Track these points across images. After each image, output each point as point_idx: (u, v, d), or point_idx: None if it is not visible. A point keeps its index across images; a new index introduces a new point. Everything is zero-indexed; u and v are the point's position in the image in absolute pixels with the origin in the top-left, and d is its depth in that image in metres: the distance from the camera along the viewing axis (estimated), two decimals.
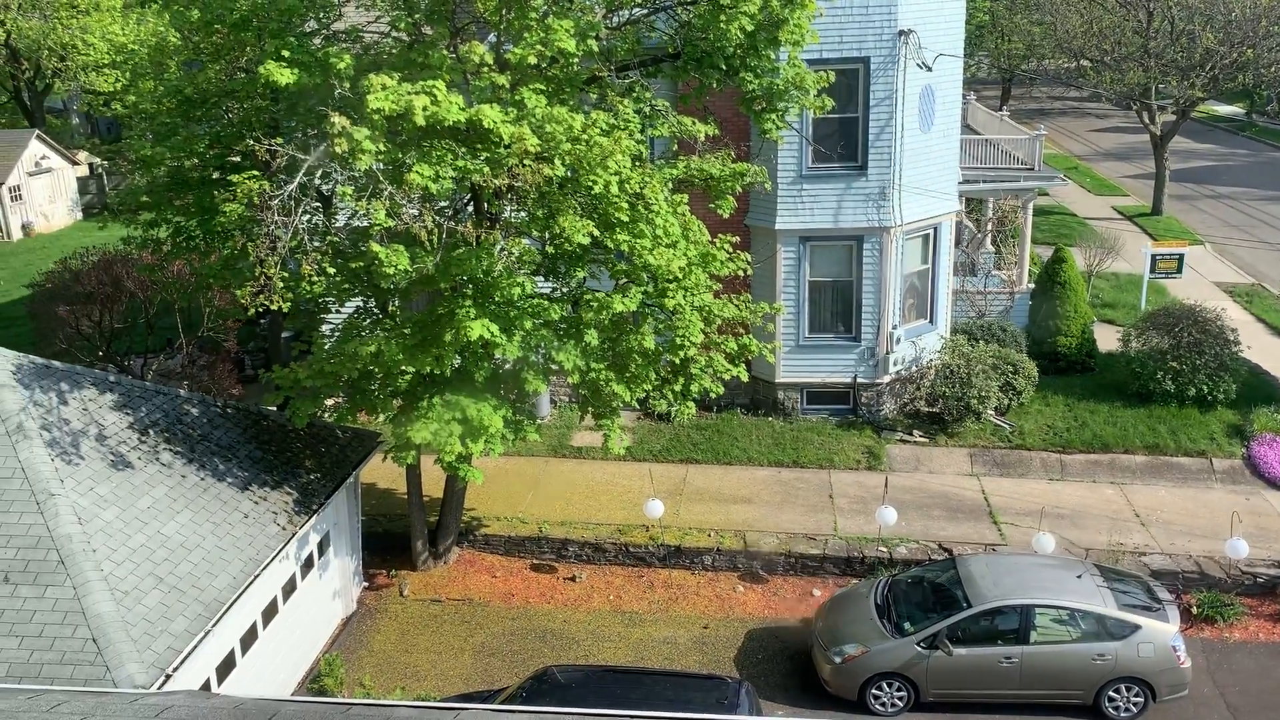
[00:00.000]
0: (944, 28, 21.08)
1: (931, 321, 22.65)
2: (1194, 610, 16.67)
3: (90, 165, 48.10)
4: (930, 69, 20.60)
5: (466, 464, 15.08)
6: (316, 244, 13.93)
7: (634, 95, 15.24)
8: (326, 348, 15.35)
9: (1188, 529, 18.50)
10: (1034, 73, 53.73)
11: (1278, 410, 21.29)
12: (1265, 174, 45.89)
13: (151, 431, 14.23)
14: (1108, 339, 24.90)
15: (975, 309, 25.13)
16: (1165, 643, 14.56)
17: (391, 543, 18.55)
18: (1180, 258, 28.21)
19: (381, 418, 15.76)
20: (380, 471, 19.29)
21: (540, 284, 15.84)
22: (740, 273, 16.18)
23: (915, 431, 21.67)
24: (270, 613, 14.44)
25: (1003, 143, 26.91)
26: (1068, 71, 47.45)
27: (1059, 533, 17.99)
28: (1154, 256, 28.16)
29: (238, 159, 16.31)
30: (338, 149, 11.91)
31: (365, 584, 17.77)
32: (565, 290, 15.87)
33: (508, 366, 15.88)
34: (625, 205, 13.64)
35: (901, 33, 20.09)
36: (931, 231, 22.06)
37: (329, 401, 15.97)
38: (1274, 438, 20.52)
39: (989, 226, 28.11)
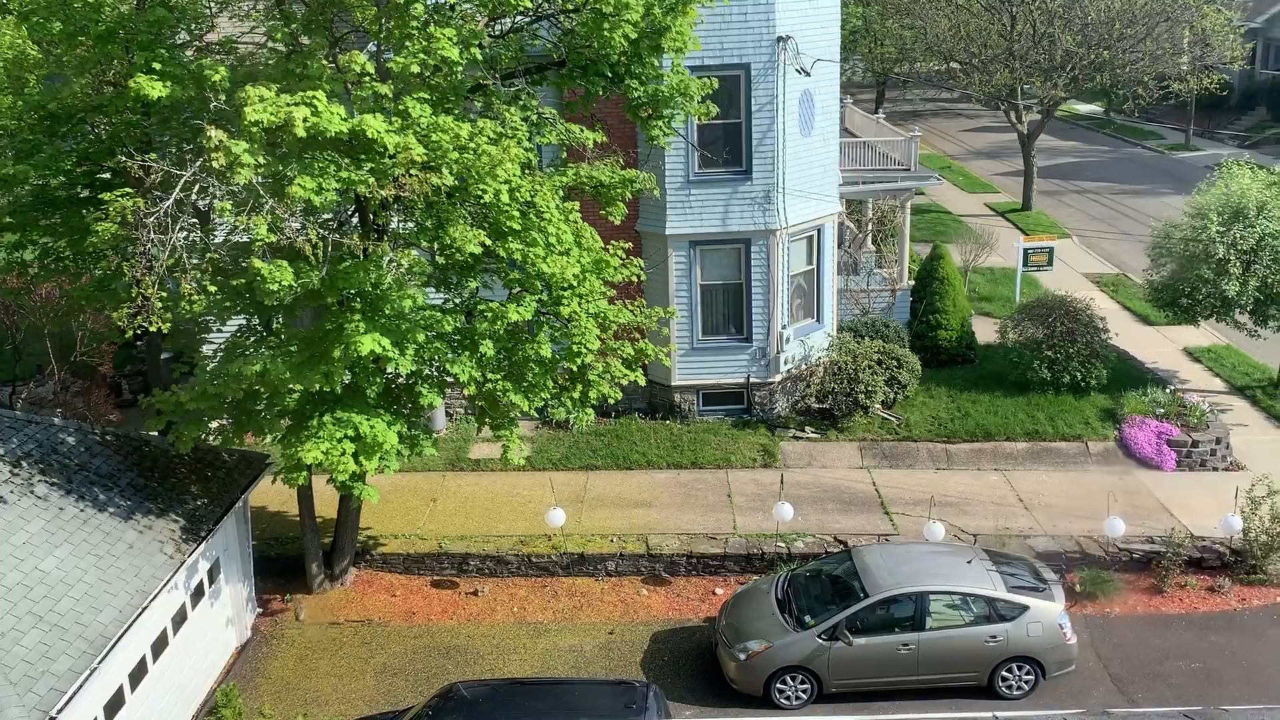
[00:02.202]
0: (820, 34, 21.59)
1: (819, 320, 23.16)
2: (1077, 588, 17.40)
3: None
4: (809, 74, 21.08)
5: (360, 482, 14.79)
6: (195, 261, 13.48)
7: (520, 103, 15.20)
8: (209, 368, 14.87)
9: (1068, 510, 19.32)
10: (906, 76, 55.44)
11: (1145, 393, 22.40)
12: (1125, 169, 48.29)
13: (24, 463, 13.57)
14: (986, 331, 25.84)
15: (859, 307, 25.80)
16: (1053, 621, 15.18)
17: (285, 566, 18.04)
18: (1050, 251, 29.41)
19: (270, 439, 15.34)
20: (271, 494, 18.75)
21: (432, 295, 15.64)
22: (634, 279, 16.29)
23: (807, 428, 22.11)
24: (160, 645, 13.89)
25: (880, 145, 27.68)
26: (938, 74, 49.07)
27: (948, 520, 18.58)
28: (1026, 250, 29.28)
29: (108, 176, 15.69)
30: (215, 163, 11.57)
31: (259, 610, 17.25)
32: (458, 301, 15.70)
33: (401, 380, 15.64)
34: (517, 214, 13.59)
35: (780, 39, 20.51)
36: (815, 233, 22.55)
37: (214, 424, 15.47)
38: (1143, 420, 21.59)
39: (869, 226, 28.90)
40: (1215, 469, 20.88)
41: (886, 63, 52.57)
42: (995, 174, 48.30)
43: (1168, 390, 22.65)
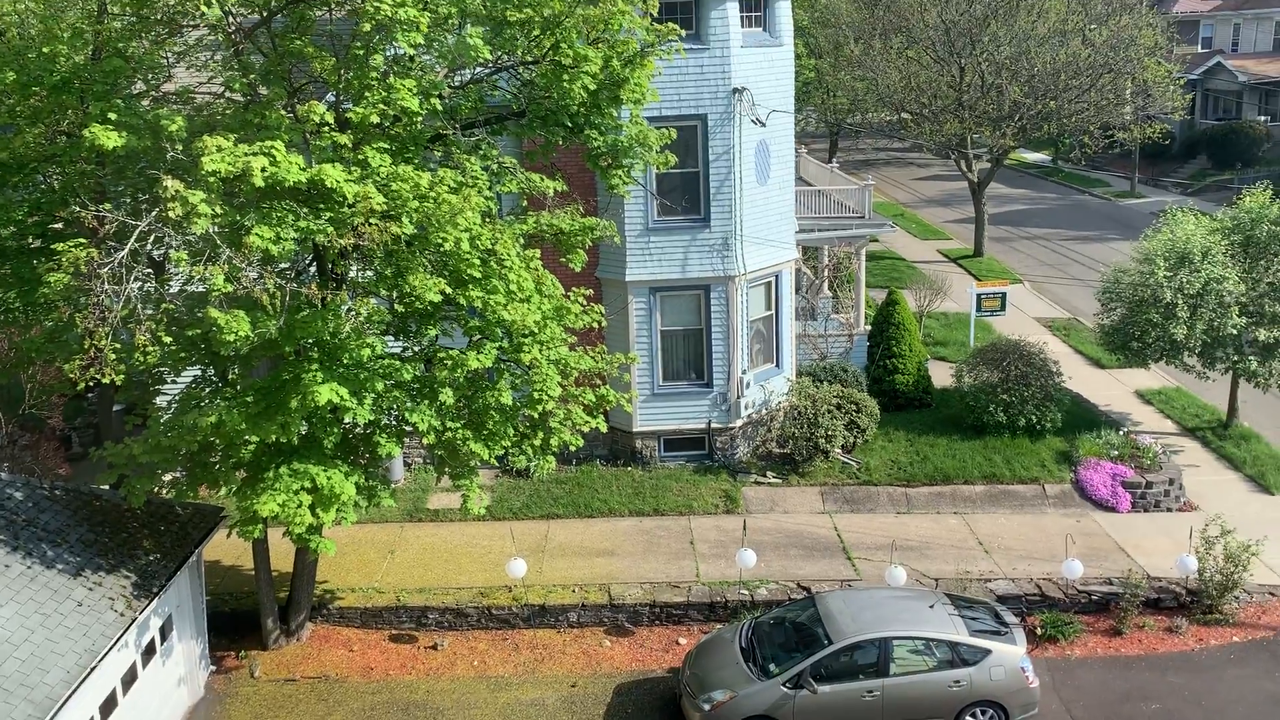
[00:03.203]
0: (775, 85, 21.96)
1: (778, 365, 23.30)
2: (1038, 631, 17.48)
3: None
4: (764, 124, 21.40)
5: (317, 535, 14.55)
6: (150, 312, 13.30)
7: (481, 153, 15.27)
8: (163, 420, 14.61)
9: (1027, 553, 19.46)
10: (859, 126, 56.46)
11: (1099, 436, 22.73)
12: (1073, 215, 49.39)
13: None
14: (942, 375, 26.13)
15: (818, 351, 26.00)
16: (1015, 665, 15.21)
17: (240, 622, 17.64)
18: (1003, 296, 29.91)
19: (225, 491, 15.06)
20: (225, 547, 18.39)
21: (391, 344, 15.54)
22: (595, 325, 16.31)
23: (769, 473, 22.15)
24: (109, 706, 13.48)
25: (834, 193, 28.10)
26: (890, 124, 50.06)
27: (910, 564, 18.63)
28: (979, 295, 29.77)
29: (61, 226, 15.47)
30: (172, 213, 11.48)
31: (213, 668, 16.83)
32: (417, 349, 15.62)
33: (359, 430, 15.47)
34: (477, 261, 13.59)
35: (736, 90, 20.83)
36: (773, 279, 22.77)
37: (167, 477, 15.18)
38: (1098, 462, 21.88)
39: (826, 273, 29.23)
40: (1169, 510, 21.17)
41: (839, 113, 53.50)
42: (947, 221, 49.16)
43: (1121, 432, 23.00)
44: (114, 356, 12.23)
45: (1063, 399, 23.62)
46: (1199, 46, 64.00)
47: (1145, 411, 25.82)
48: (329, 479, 13.94)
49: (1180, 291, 22.01)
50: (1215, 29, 64.79)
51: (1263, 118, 55.70)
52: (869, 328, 26.40)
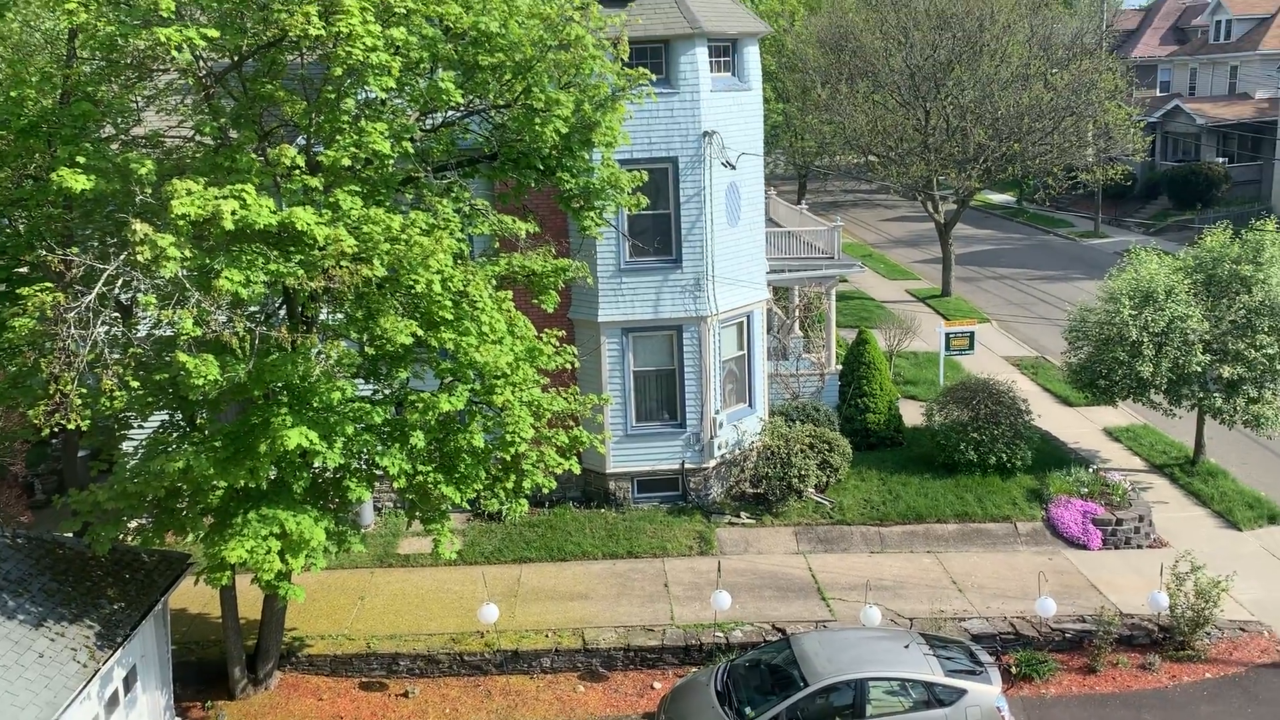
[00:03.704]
0: (744, 128, 22.21)
1: (751, 405, 23.34)
2: (1013, 670, 17.46)
3: None
4: (734, 167, 21.61)
5: (286, 581, 14.31)
6: (117, 356, 13.13)
7: (453, 195, 15.29)
8: (129, 466, 14.38)
9: (1000, 591, 19.48)
10: (827, 168, 57.15)
11: (1069, 473, 22.88)
12: (1038, 255, 50.08)
13: None
14: (912, 414, 26.26)
15: (789, 391, 26.08)
16: (990, 705, 15.17)
17: (207, 671, 17.29)
18: (971, 335, 30.20)
19: (192, 538, 14.83)
20: (192, 595, 18.07)
21: (361, 387, 15.43)
22: (568, 366, 16.26)
23: (743, 513, 22.09)
24: None
25: (804, 234, 28.36)
26: (857, 166, 50.75)
27: (884, 604, 18.58)
28: (947, 335, 30.04)
29: (27, 270, 15.29)
30: (140, 257, 11.37)
31: (179, 719, 16.45)
32: (388, 392, 15.50)
33: (329, 474, 15.30)
34: (449, 303, 13.55)
35: (706, 134, 21.04)
36: (745, 319, 22.87)
37: (133, 524, 14.92)
38: (1068, 499, 22.01)
39: (797, 313, 29.40)
40: (1139, 546, 21.30)
41: (807, 156, 54.20)
42: (915, 261, 49.69)
43: (1090, 470, 23.18)
44: (79, 401, 12.05)
45: (1032, 437, 23.79)
46: (1158, 90, 65.53)
47: (1114, 449, 26.05)
48: (298, 524, 13.75)
49: (1145, 330, 22.32)
50: (1173, 73, 66.40)
51: (1220, 159, 56.94)
52: (840, 367, 26.53)
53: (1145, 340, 22.27)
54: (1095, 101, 40.12)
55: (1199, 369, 22.26)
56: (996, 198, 67.42)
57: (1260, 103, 58.05)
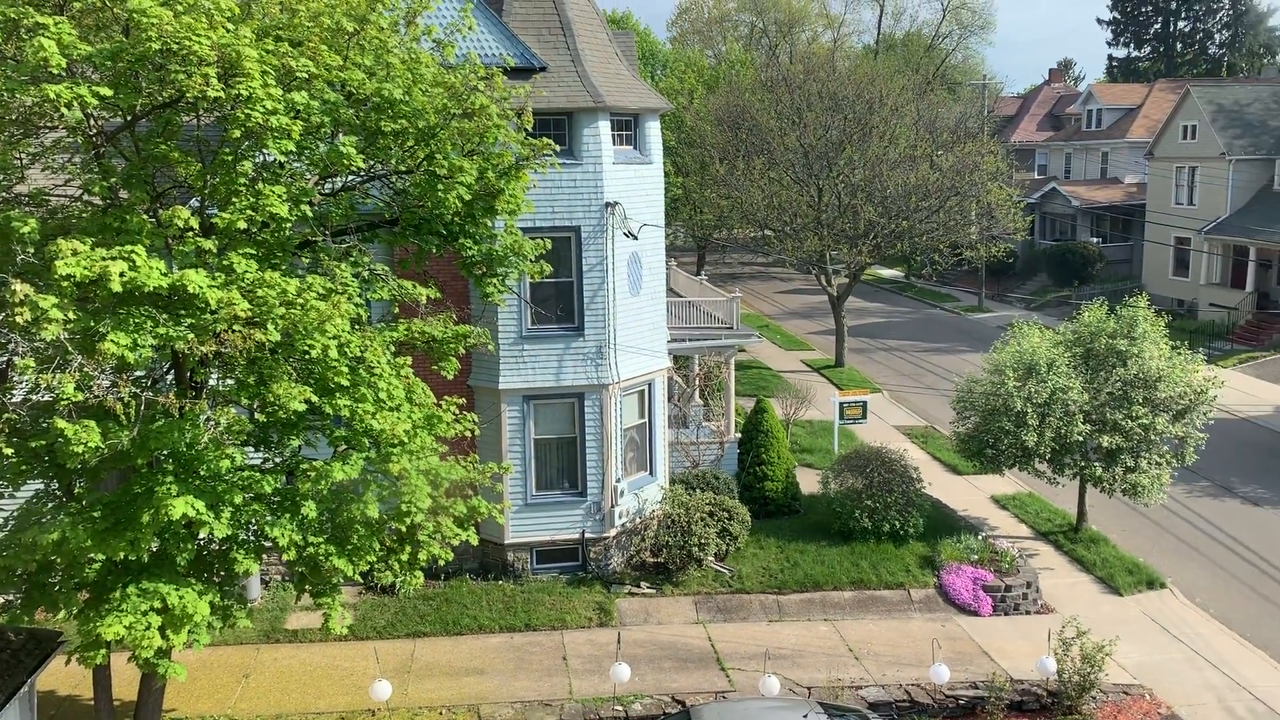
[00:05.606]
0: (646, 200, 22.59)
1: (651, 473, 23.36)
2: None
3: None
4: (636, 237, 21.91)
5: (166, 659, 13.59)
6: None
7: (351, 259, 15.07)
8: None
9: (896, 659, 19.69)
10: (725, 241, 58.34)
11: (959, 540, 23.42)
12: (926, 328, 51.77)
13: None
14: (809, 482, 26.63)
15: (690, 459, 26.21)
16: None
17: None
18: (864, 405, 30.92)
19: (64, 614, 14.01)
20: (62, 675, 17.03)
21: (251, 455, 14.93)
22: (467, 433, 16.03)
23: (643, 583, 21.96)
24: None
25: (704, 304, 28.81)
26: (754, 240, 51.97)
27: (783, 673, 18.60)
28: (841, 404, 30.69)
29: None
30: (19, 319, 10.88)
31: None
32: (279, 460, 15.04)
33: (215, 546, 14.70)
34: (345, 369, 13.28)
35: (608, 204, 21.32)
36: (646, 387, 23.00)
37: (0, 600, 14.06)
38: (959, 566, 22.50)
39: (697, 381, 29.69)
40: (1028, 612, 21.84)
41: (706, 229, 55.27)
42: (809, 332, 50.85)
43: (980, 537, 23.77)
44: None
45: (924, 504, 24.33)
46: (1035, 173, 69.10)
47: (1001, 516, 26.80)
48: (181, 598, 13.13)
49: (1029, 400, 23.16)
50: (1050, 157, 70.13)
51: (1095, 239, 60.09)
52: (739, 435, 26.81)
53: (1030, 410, 23.10)
54: (978, 182, 42.07)
55: (1080, 439, 23.16)
56: (886, 272, 69.68)
57: (1129, 187, 61.65)
